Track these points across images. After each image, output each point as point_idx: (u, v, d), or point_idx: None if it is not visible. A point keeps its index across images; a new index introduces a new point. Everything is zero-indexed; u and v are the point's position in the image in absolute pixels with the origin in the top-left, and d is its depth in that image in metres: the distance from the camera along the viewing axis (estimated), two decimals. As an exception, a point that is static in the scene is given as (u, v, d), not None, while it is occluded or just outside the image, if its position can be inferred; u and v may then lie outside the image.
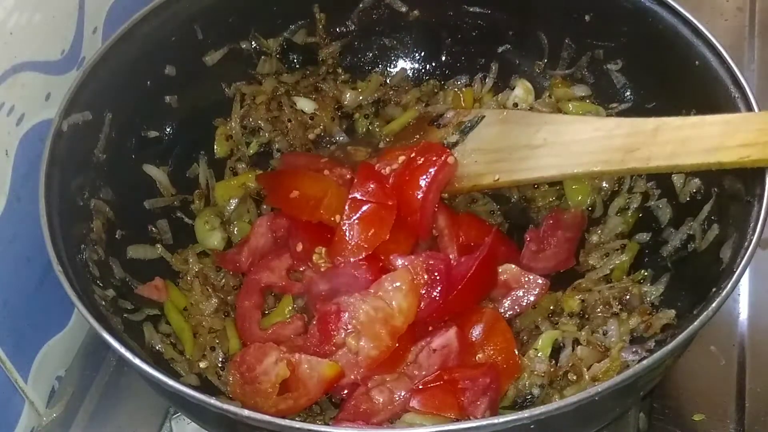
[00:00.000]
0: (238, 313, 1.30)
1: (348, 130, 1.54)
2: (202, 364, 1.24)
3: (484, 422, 0.91)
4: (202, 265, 1.34)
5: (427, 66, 1.55)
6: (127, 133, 1.31)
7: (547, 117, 1.36)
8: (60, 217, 1.11)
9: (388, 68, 1.56)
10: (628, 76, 1.38)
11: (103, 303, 1.12)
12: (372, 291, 1.18)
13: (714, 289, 1.02)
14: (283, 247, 1.34)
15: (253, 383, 1.15)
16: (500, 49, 1.49)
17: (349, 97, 1.53)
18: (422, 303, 1.18)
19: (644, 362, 0.95)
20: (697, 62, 1.21)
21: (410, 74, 1.55)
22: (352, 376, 1.16)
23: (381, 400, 1.15)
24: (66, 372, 1.37)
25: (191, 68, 1.39)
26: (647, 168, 1.16)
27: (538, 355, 1.19)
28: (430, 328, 1.20)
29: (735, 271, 1.00)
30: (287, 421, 0.94)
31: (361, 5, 1.49)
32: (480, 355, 1.19)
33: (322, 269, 1.26)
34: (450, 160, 1.31)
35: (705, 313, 0.98)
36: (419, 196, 1.27)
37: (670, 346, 0.96)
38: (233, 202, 1.42)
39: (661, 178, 1.29)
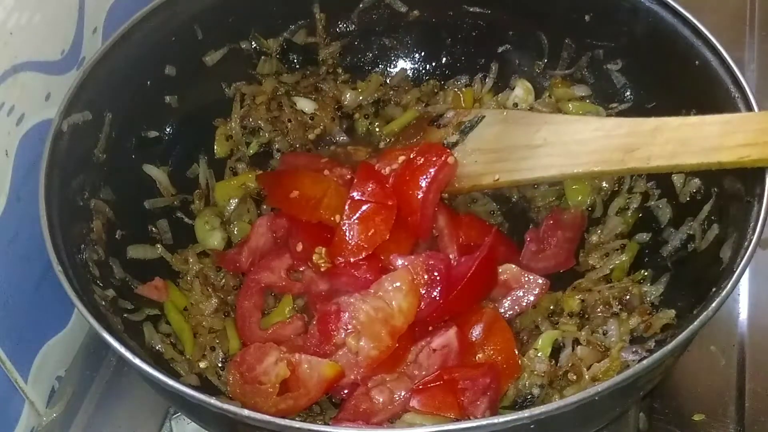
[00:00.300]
0: (238, 313, 1.30)
1: (348, 130, 1.54)
2: (202, 364, 1.24)
3: (484, 422, 0.91)
4: (202, 265, 1.34)
5: (427, 66, 1.55)
6: (127, 133, 1.31)
7: (547, 117, 1.36)
8: (60, 217, 1.11)
9: (388, 68, 1.55)
10: (628, 76, 1.38)
11: (103, 303, 1.12)
12: (372, 291, 1.18)
13: (714, 289, 1.02)
14: (283, 247, 1.34)
15: (253, 383, 1.15)
16: (500, 49, 1.49)
17: (349, 97, 1.53)
18: (422, 303, 1.19)
19: (644, 362, 0.95)
20: (697, 62, 1.21)
21: (410, 74, 1.55)
22: (352, 376, 1.16)
23: (381, 400, 1.15)
24: (66, 372, 1.37)
25: (191, 68, 1.39)
26: (647, 168, 1.16)
27: (538, 355, 1.19)
28: (430, 328, 1.20)
29: (735, 271, 1.00)
30: (287, 421, 0.94)
31: (361, 5, 1.49)
32: (480, 355, 1.19)
33: (322, 269, 1.26)
34: (450, 160, 1.31)
35: (705, 313, 0.98)
36: (419, 196, 1.27)
37: (670, 346, 0.96)
38: (233, 202, 1.42)
39: (661, 178, 1.29)
